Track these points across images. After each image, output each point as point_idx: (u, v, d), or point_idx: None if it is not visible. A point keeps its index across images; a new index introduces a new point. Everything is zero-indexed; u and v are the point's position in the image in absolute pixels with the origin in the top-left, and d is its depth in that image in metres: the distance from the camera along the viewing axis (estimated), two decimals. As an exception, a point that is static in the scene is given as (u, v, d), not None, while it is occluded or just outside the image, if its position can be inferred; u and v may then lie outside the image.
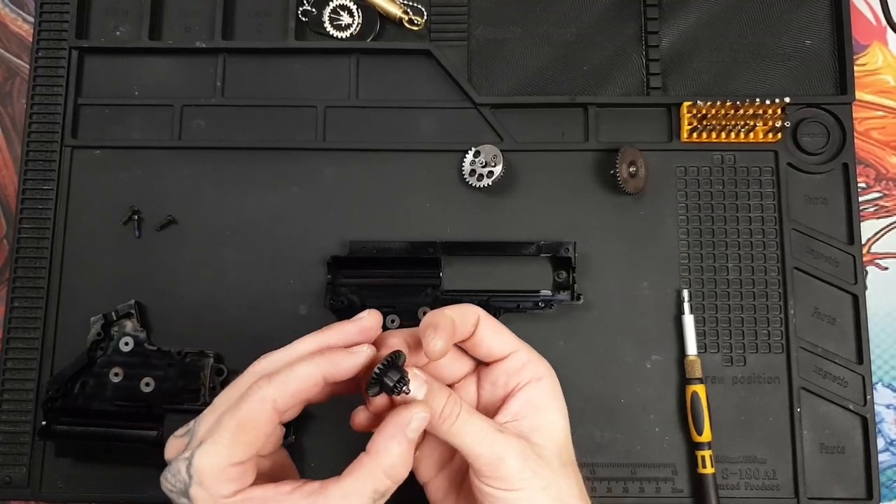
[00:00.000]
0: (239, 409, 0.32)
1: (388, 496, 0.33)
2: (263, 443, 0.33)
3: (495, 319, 0.38)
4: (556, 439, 0.36)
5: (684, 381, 0.49)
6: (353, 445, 0.34)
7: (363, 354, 0.34)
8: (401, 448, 0.33)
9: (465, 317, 0.36)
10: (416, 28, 0.54)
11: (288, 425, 0.37)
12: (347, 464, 0.33)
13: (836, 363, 0.50)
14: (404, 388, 0.33)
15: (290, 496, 0.32)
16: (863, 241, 0.52)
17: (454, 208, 0.52)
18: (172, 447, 0.34)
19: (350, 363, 0.33)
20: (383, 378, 0.33)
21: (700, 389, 0.48)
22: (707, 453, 0.48)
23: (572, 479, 0.36)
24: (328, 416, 0.49)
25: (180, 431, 0.35)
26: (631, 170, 0.50)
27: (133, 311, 0.50)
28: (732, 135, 0.52)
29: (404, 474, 0.33)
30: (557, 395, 0.38)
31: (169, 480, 0.33)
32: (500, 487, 0.34)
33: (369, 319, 0.35)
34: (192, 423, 0.34)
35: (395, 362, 0.33)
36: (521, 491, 0.34)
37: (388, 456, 0.32)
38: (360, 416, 0.36)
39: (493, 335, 0.37)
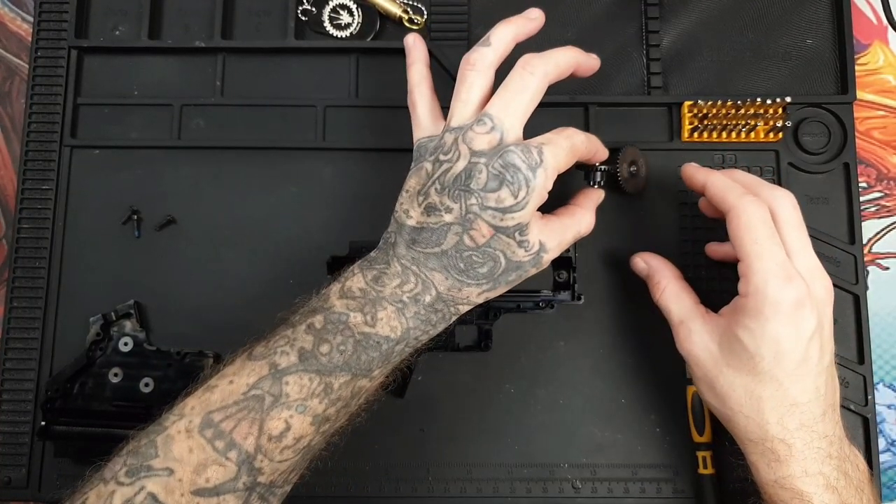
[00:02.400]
0: (573, 141, 0.42)
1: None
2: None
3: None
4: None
5: (685, 381, 0.49)
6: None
7: (596, 60, 0.46)
8: (593, 213, 0.46)
9: None
10: (416, 27, 0.54)
11: None
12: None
13: (836, 363, 0.49)
14: (600, 182, 0.47)
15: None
16: (864, 241, 0.52)
17: (454, 208, 0.52)
18: (483, 139, 0.40)
19: (593, 63, 0.45)
20: (597, 169, 0.47)
21: (701, 390, 0.48)
22: (707, 454, 0.48)
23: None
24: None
25: (481, 129, 0.40)
26: (632, 169, 0.50)
27: (132, 312, 0.50)
28: (733, 134, 0.51)
29: (590, 230, 0.45)
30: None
31: (522, 154, 0.39)
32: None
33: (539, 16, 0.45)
34: (485, 119, 0.40)
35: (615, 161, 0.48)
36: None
37: (589, 215, 0.45)
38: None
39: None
